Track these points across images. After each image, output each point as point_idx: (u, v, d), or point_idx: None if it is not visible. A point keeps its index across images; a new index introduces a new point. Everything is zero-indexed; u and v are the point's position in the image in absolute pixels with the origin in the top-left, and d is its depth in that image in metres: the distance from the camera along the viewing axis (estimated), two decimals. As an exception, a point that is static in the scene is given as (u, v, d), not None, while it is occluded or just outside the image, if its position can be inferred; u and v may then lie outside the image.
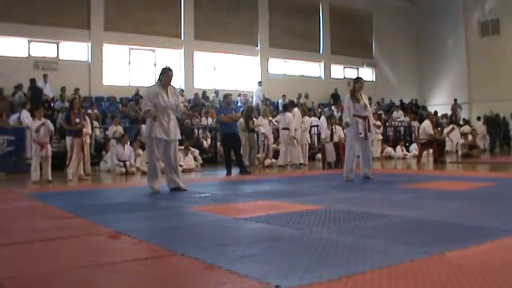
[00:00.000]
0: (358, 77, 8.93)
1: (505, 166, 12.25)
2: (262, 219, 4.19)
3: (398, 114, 22.94)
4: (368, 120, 8.37)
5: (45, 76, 17.22)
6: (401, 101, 26.29)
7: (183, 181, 7.38)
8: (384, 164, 14.08)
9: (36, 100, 15.73)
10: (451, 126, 19.23)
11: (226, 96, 12.10)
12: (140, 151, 13.31)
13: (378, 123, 12.55)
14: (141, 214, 4.98)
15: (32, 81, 16.39)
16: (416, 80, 29.51)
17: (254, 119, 14.14)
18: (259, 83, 22.16)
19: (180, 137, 7.48)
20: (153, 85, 7.26)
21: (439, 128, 17.88)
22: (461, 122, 23.56)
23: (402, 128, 21.93)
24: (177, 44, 21.38)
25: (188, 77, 21.14)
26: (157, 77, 7.32)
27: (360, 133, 8.27)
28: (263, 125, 14.64)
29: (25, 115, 14.12)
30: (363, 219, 4.04)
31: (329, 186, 7.47)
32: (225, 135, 11.43)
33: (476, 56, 26.73)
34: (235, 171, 11.07)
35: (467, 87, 27.21)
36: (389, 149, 17.88)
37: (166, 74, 7.16)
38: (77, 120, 10.83)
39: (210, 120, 17.80)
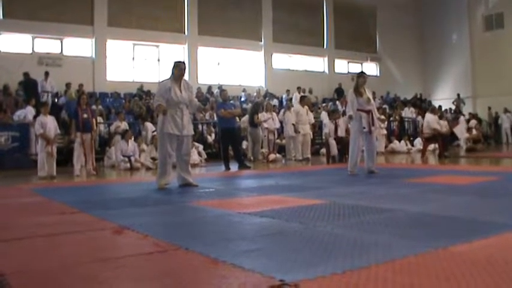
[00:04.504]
0: (361, 72, 8.93)
1: (509, 160, 12.20)
2: (266, 214, 4.19)
3: (409, 112, 22.62)
4: (372, 114, 8.37)
5: (46, 74, 17.05)
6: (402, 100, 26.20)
7: (193, 177, 7.32)
8: (388, 159, 14.05)
9: (32, 92, 15.73)
10: (457, 119, 19.13)
11: (223, 90, 12.10)
12: (144, 146, 13.33)
13: (383, 117, 12.54)
14: (145, 209, 4.98)
15: (26, 74, 16.34)
16: (420, 74, 29.42)
17: (259, 114, 14.19)
18: (298, 89, 21.74)
19: (193, 133, 7.39)
20: (166, 79, 7.10)
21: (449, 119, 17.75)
22: (466, 117, 23.47)
23: (406, 123, 21.87)
24: (181, 39, 21.38)
25: (192, 72, 21.11)
26: (170, 72, 7.10)
27: (364, 127, 8.27)
28: (267, 120, 14.65)
29: (29, 111, 14.15)
30: (367, 214, 4.04)
31: (333, 181, 7.46)
32: (224, 130, 11.42)
33: (480, 51, 26.64)
34: (234, 166, 11.10)
35: (471, 81, 27.13)
36: (396, 143, 17.85)
37: (178, 68, 7.00)
38: (85, 115, 10.88)
39: (214, 116, 17.78)
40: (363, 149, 8.65)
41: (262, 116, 14.58)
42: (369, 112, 8.34)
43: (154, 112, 11.33)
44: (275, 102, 20.22)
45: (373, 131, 8.44)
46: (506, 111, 23.61)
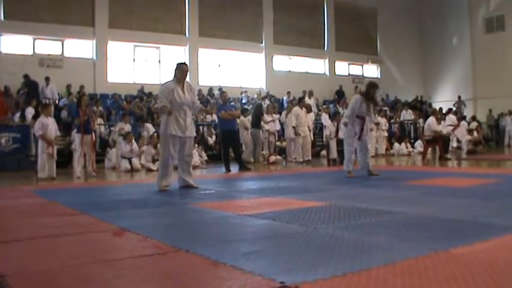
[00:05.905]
0: (375, 83, 8.85)
1: (510, 163, 12.20)
2: (266, 216, 4.19)
3: (407, 114, 22.56)
4: (364, 121, 8.43)
5: (47, 79, 17.03)
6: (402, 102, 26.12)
7: (194, 178, 7.31)
8: (388, 161, 14.05)
9: (33, 94, 15.72)
10: (457, 122, 19.07)
11: (223, 92, 12.08)
12: (145, 148, 13.32)
13: (379, 119, 12.52)
14: (145, 211, 4.97)
15: (26, 76, 16.35)
16: (421, 76, 29.41)
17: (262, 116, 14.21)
18: (305, 93, 21.69)
19: (195, 134, 7.42)
20: (169, 81, 7.10)
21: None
22: (467, 119, 23.42)
23: (407, 125, 21.82)
24: (182, 41, 21.38)
25: (193, 74, 21.04)
26: (173, 73, 7.11)
27: (356, 133, 8.34)
28: (269, 122, 14.64)
29: (29, 112, 14.15)
30: (367, 216, 4.03)
31: (333, 183, 7.46)
32: (224, 132, 11.41)
33: (481, 53, 26.61)
34: (234, 168, 11.09)
35: (472, 83, 27.09)
36: (397, 146, 17.86)
37: (181, 69, 7.03)
38: (85, 117, 10.89)
39: (215, 117, 17.76)
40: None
41: (265, 117, 14.54)
42: (363, 119, 8.42)
43: (157, 113, 11.26)
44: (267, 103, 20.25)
45: (362, 136, 8.47)
46: (510, 113, 23.54)
